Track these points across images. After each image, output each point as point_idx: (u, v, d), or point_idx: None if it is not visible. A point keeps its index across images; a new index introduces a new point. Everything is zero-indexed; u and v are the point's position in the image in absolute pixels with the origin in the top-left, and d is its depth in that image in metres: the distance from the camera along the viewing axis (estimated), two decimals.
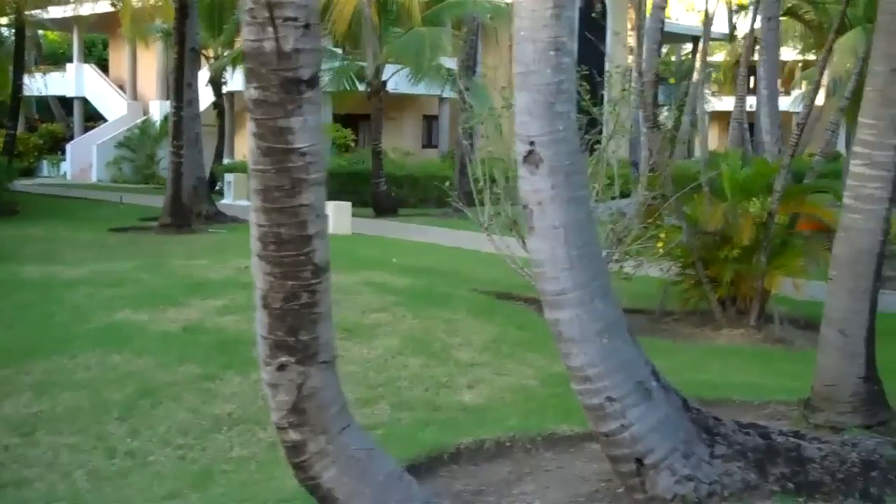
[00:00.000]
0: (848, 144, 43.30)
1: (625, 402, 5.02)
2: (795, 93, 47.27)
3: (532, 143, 4.82)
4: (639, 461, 5.04)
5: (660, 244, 10.40)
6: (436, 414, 6.62)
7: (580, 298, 4.94)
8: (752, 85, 42.08)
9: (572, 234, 4.90)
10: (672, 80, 41.99)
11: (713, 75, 40.12)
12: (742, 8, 34.64)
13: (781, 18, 23.77)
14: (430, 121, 34.94)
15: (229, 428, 6.71)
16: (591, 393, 5.06)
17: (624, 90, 10.28)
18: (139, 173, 35.61)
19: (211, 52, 27.72)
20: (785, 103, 50.62)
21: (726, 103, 43.46)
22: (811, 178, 11.21)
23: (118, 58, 39.23)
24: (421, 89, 24.66)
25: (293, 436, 4.30)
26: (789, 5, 28.50)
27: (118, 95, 37.75)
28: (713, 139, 46.56)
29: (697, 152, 48.99)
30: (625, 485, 5.20)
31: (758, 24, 19.19)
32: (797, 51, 35.97)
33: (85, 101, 38.70)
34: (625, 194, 11.16)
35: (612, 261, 10.56)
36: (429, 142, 35.36)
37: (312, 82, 4.00)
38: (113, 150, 35.84)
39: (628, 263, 10.87)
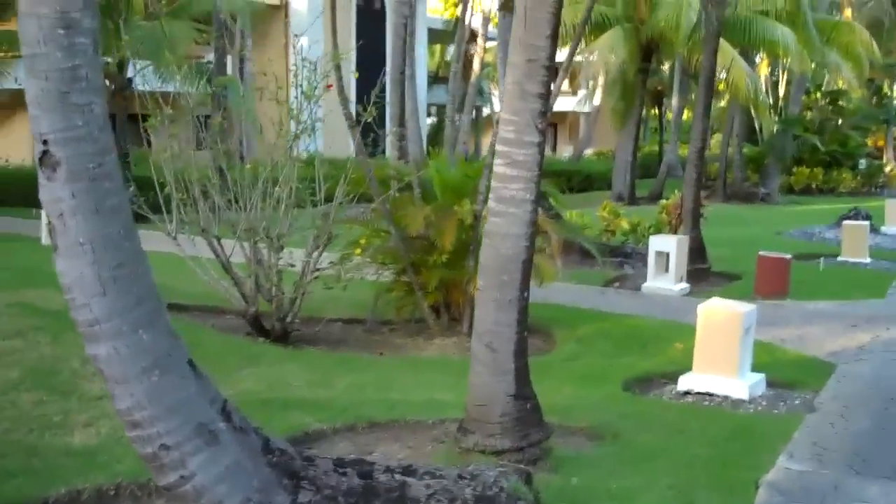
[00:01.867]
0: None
1: (184, 448, 4.22)
2: (582, 93, 48.58)
3: (45, 143, 3.95)
4: None
5: (357, 251, 9.74)
6: (32, 461, 5.65)
7: (118, 329, 4.10)
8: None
9: (103, 251, 4.05)
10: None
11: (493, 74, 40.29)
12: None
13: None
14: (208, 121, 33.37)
15: None
16: (143, 440, 4.23)
17: (310, 84, 9.53)
18: None
19: None
20: (571, 103, 52.27)
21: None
22: None
23: None
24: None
25: None
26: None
27: None
28: None
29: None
30: None
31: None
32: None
33: None
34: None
35: (315, 269, 9.88)
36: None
37: None
38: None
39: (346, 270, 10.23)
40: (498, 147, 6.00)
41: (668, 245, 13.98)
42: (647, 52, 25.57)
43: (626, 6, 25.47)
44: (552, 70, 5.89)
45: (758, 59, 41.34)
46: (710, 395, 8.30)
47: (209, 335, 9.15)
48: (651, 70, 29.42)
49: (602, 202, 28.56)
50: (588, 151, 49.33)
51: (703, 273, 14.87)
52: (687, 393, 8.42)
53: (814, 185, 37.71)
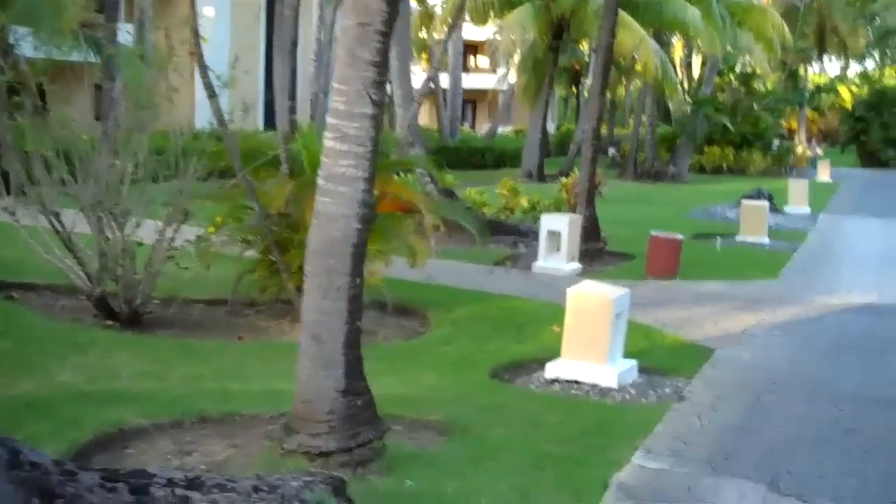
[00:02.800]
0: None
1: None
2: (501, 71, 48.06)
3: None
4: None
5: (211, 229, 9.08)
6: None
7: None
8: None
9: None
10: None
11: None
12: None
13: None
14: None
15: None
16: None
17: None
18: None
19: None
20: (491, 81, 51.70)
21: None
22: (398, 155, 10.30)
23: None
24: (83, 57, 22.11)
25: None
26: None
27: None
28: (423, 117, 46.49)
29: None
30: None
31: None
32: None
33: None
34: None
35: (170, 248, 9.20)
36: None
37: None
38: None
39: (205, 248, 9.58)
40: (328, 119, 5.42)
41: (560, 224, 13.58)
42: (559, 29, 25.11)
43: None
44: (388, 36, 5.32)
45: (674, 41, 41.44)
46: (578, 382, 7.89)
47: (40, 320, 8.45)
48: (563, 48, 29.04)
49: (515, 177, 28.42)
50: (506, 129, 48.95)
51: (596, 253, 14.53)
52: (555, 381, 7.99)
53: (724, 166, 37.93)
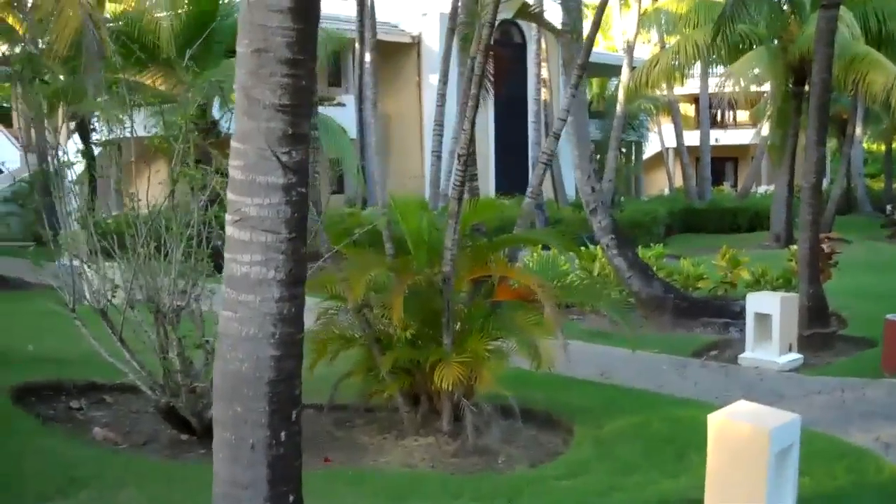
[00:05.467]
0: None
1: None
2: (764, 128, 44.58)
3: None
4: None
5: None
6: None
7: None
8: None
9: None
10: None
11: (651, 108, 37.31)
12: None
13: None
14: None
15: None
16: None
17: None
18: (28, 230, 33.07)
19: None
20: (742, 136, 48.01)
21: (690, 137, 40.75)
22: (523, 227, 8.36)
23: None
24: None
25: None
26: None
27: (10, 144, 35.32)
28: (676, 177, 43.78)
29: (660, 190, 46.21)
30: None
31: None
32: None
33: None
34: None
35: None
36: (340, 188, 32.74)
37: None
38: None
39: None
40: (227, 195, 3.70)
41: (770, 304, 11.01)
42: (800, 74, 22.02)
43: (772, 23, 21.99)
44: (301, 67, 3.54)
45: None
46: None
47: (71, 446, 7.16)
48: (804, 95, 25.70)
49: (755, 243, 25.27)
50: (766, 188, 45.04)
51: (825, 339, 11.74)
52: None
53: None
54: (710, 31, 21.10)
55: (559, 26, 11.04)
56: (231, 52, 20.44)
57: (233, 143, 3.57)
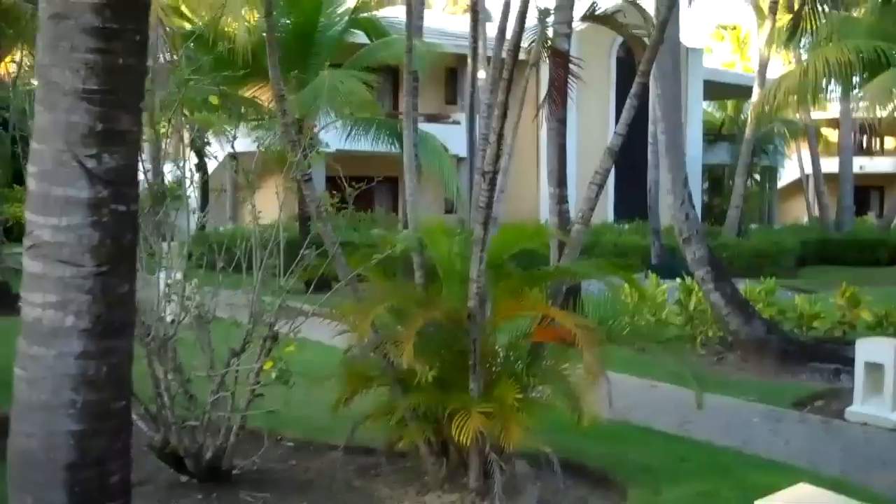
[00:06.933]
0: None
1: None
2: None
3: None
4: None
5: (289, 347, 6.67)
6: None
7: None
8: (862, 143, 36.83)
9: None
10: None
11: (784, 131, 35.15)
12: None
13: None
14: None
15: None
16: None
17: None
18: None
19: None
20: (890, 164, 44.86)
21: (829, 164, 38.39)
22: (570, 257, 7.22)
23: None
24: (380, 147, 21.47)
25: None
26: None
27: None
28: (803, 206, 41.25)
29: (806, 219, 43.45)
30: None
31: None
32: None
33: None
34: None
35: (256, 382, 6.97)
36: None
37: None
38: None
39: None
40: (26, 215, 2.80)
41: (884, 352, 9.51)
42: None
43: None
44: (126, 39, 2.63)
45: None
46: None
47: None
48: None
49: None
50: None
51: None
52: None
53: None
54: (846, 48, 19.37)
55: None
56: (333, 64, 20.00)
57: (31, 144, 2.70)
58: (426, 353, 6.84)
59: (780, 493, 4.75)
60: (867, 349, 9.66)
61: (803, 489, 4.83)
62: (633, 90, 7.05)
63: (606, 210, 32.30)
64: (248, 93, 20.91)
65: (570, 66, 9.79)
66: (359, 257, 7.20)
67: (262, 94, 21.50)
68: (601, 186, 7.13)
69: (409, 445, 7.26)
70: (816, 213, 38.29)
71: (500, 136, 6.23)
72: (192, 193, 8.73)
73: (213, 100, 14.76)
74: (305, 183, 7.08)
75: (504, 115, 6.16)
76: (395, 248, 6.91)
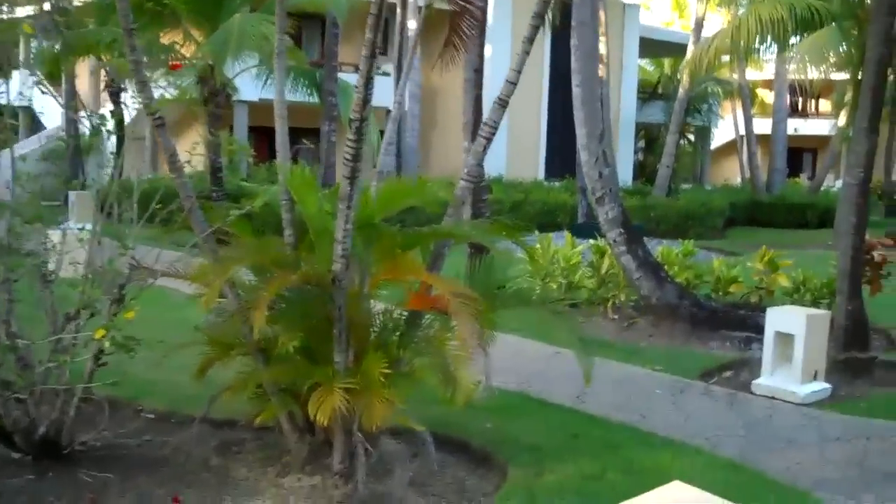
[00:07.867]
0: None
1: None
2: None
3: None
4: None
5: (100, 333, 5.93)
6: None
7: None
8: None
9: None
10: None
11: (718, 91, 34.82)
12: None
13: None
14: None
15: None
16: None
17: None
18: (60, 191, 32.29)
19: None
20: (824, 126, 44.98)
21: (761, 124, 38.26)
22: (454, 217, 6.59)
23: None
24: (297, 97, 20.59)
25: None
26: None
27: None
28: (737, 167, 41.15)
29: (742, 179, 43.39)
30: None
31: None
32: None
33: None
34: None
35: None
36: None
37: None
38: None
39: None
40: None
41: (794, 323, 9.08)
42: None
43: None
44: None
45: None
46: None
47: None
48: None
49: (821, 242, 22.92)
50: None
51: (863, 366, 9.74)
52: None
53: None
54: (779, 4, 18.90)
55: None
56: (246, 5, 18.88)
57: None
58: (290, 320, 6.21)
59: (651, 493, 4.18)
60: (778, 318, 9.22)
61: (675, 489, 4.27)
62: (526, 33, 6.39)
63: (538, 167, 31.74)
64: (164, 38, 19.85)
65: (469, 7, 9.03)
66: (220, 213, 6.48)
67: (180, 40, 20.42)
68: (489, 140, 6.50)
69: (269, 421, 6.61)
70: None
71: (368, 80, 5.53)
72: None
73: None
74: (158, 129, 6.28)
75: (372, 56, 5.46)
76: (255, 203, 6.19)
